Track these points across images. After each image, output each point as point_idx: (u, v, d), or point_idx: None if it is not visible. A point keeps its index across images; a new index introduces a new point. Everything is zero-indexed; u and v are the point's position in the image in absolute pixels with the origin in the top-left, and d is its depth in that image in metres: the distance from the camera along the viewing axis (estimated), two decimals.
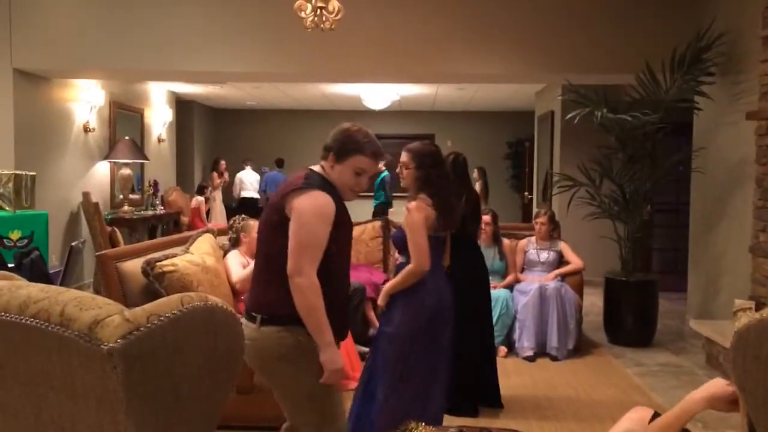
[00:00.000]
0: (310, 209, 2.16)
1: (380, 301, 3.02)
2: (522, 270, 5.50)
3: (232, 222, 4.37)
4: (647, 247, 7.65)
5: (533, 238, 5.54)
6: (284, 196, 2.23)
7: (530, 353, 4.98)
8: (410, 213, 2.93)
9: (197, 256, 3.71)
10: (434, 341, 2.95)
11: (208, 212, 10.18)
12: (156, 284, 3.32)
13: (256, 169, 11.71)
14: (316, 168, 2.34)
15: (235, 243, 4.29)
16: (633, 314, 5.49)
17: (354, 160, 2.28)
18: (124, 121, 8.37)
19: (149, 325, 1.44)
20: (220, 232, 4.61)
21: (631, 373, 4.73)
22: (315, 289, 2.13)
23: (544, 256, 5.44)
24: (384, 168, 11.18)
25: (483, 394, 3.95)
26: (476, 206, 3.96)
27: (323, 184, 2.26)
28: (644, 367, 4.87)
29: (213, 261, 3.83)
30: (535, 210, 9.25)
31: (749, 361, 1.57)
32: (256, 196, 11.53)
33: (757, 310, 4.03)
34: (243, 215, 4.44)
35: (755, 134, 4.51)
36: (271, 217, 2.26)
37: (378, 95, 10.10)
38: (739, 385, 1.64)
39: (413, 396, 2.91)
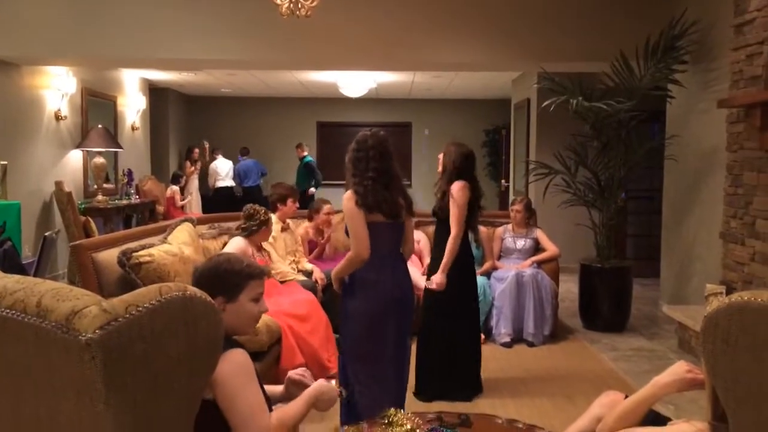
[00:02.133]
0: (241, 370, 1.87)
1: (335, 285, 3.13)
2: (499, 257, 5.55)
3: (251, 211, 4.30)
4: (622, 233, 7.75)
5: (510, 226, 5.58)
6: None
7: (507, 339, 5.04)
8: (343, 202, 2.98)
9: (175, 246, 3.69)
10: (393, 327, 3.01)
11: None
12: (132, 275, 3.30)
13: (229, 157, 11.61)
14: None
15: (250, 233, 4.25)
16: (608, 300, 5.58)
17: (248, 290, 2.05)
18: (96, 108, 8.24)
19: (127, 315, 1.43)
20: (199, 222, 4.59)
21: (606, 357, 4.81)
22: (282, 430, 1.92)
23: (521, 243, 5.49)
24: (305, 152, 11.22)
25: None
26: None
27: (225, 341, 1.91)
28: (618, 352, 4.96)
29: (191, 251, 3.81)
30: (511, 197, 9.33)
31: (719, 344, 1.61)
32: (232, 184, 11.46)
33: (728, 294, 4.12)
34: (264, 207, 4.40)
35: (726, 122, 4.58)
36: None
37: (355, 83, 10.06)
38: (708, 368, 1.68)
39: (377, 379, 3.01)
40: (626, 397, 2.31)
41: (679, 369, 2.03)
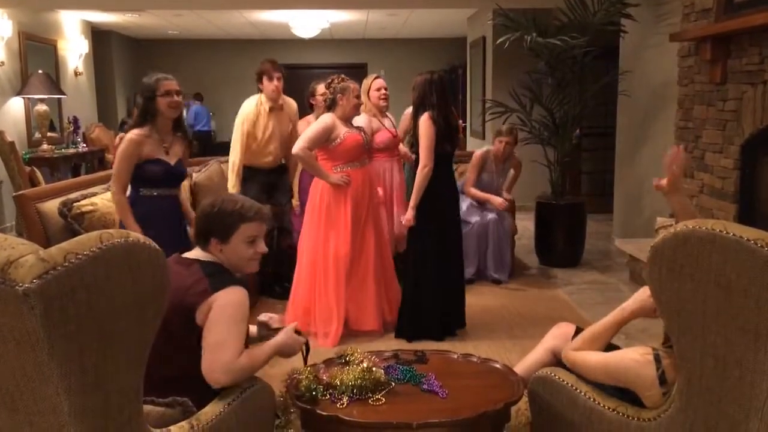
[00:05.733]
0: (234, 305, 1.98)
1: None
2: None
3: (330, 81, 3.94)
4: (576, 170, 7.86)
5: (490, 154, 5.23)
6: (189, 303, 1.97)
7: (469, 277, 5.09)
8: None
9: None
10: None
11: None
12: (75, 225, 3.21)
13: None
14: (202, 257, 2.12)
15: (331, 106, 3.89)
16: (563, 236, 5.67)
17: (240, 232, 2.10)
18: (35, 53, 7.85)
19: (66, 264, 1.39)
20: None
21: (561, 292, 4.93)
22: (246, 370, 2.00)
23: (496, 182, 5.25)
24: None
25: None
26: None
27: (230, 276, 2.08)
28: (573, 286, 5.08)
29: None
30: (469, 135, 9.34)
31: (665, 272, 1.64)
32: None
33: None
34: (341, 74, 3.97)
35: (678, 56, 4.60)
36: (169, 326, 1.87)
37: (307, 23, 9.78)
38: (655, 295, 1.72)
39: None
40: (577, 327, 2.36)
41: (644, 295, 2.08)
